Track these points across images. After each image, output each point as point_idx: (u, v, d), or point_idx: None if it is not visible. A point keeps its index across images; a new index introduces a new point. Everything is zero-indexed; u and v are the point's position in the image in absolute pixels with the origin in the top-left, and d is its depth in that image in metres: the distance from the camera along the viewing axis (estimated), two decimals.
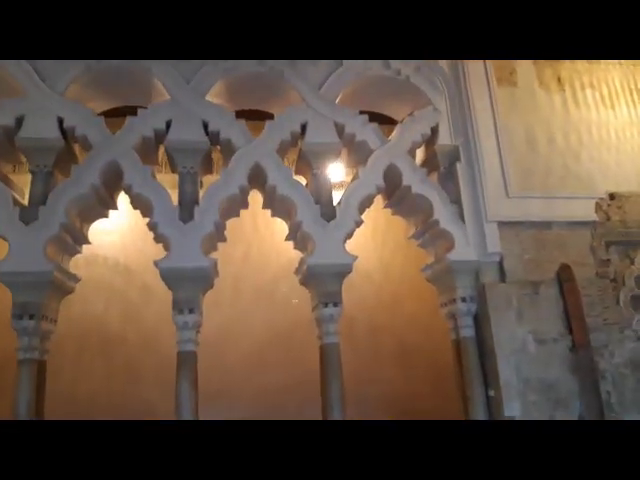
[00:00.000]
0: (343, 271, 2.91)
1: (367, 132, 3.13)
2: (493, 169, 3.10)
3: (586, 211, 3.12)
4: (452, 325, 3.14)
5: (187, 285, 2.76)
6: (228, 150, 2.99)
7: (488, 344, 2.88)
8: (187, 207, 2.85)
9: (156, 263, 2.71)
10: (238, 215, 3.20)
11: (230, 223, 3.31)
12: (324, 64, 3.19)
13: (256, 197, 3.25)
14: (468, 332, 3.00)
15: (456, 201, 3.13)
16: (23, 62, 2.84)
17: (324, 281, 2.91)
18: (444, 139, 3.23)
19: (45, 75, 2.87)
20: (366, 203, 3.13)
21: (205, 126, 2.98)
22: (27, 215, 2.68)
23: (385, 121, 3.47)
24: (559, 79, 3.42)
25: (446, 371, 3.31)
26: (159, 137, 2.96)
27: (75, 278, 2.99)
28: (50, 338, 2.82)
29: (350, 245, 3.02)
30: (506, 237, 3.01)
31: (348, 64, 3.19)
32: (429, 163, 3.32)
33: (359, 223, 3.04)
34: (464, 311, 3.01)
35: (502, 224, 3.02)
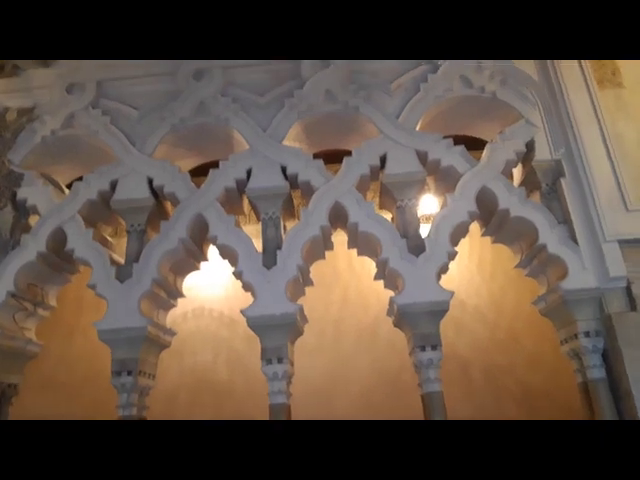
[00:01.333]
0: (439, 309, 2.65)
1: (453, 156, 2.91)
2: (605, 180, 2.69)
3: None
4: (577, 365, 2.70)
5: (274, 333, 2.67)
6: (308, 192, 2.94)
7: (623, 386, 2.40)
8: (270, 253, 2.81)
9: (243, 312, 2.67)
10: (324, 257, 3.10)
11: (324, 267, 3.23)
12: (400, 92, 3.06)
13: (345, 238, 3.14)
14: (597, 373, 2.55)
15: (565, 221, 2.75)
16: (114, 129, 3.09)
17: (418, 322, 2.66)
18: (543, 154, 2.89)
19: (135, 139, 3.08)
20: (459, 233, 2.87)
21: (284, 171, 2.97)
22: (122, 273, 2.81)
23: (475, 146, 3.21)
24: None
25: (577, 416, 2.84)
26: (241, 186, 2.99)
27: (171, 332, 3.05)
28: (149, 394, 2.86)
29: (453, 281, 2.77)
30: (631, 257, 2.54)
31: (426, 88, 3.03)
32: (528, 182, 2.98)
33: (453, 255, 2.77)
34: (589, 348, 2.57)
35: (624, 242, 2.57)
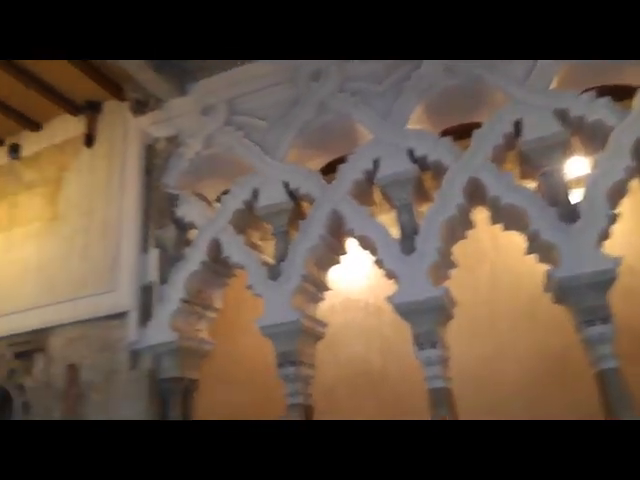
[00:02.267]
0: (604, 279, 2.40)
1: (598, 109, 2.60)
2: None
3: None
4: None
5: (423, 318, 2.66)
6: (439, 172, 2.86)
7: None
8: (408, 239, 2.80)
9: (389, 299, 2.71)
10: (464, 237, 2.99)
11: (467, 247, 3.13)
12: None
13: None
14: None
15: None
16: (248, 142, 3.33)
17: (582, 295, 2.43)
18: None
19: (267, 148, 3.29)
20: (617, 193, 2.57)
21: (411, 154, 2.93)
22: (274, 272, 3.03)
23: (622, 96, 2.83)
24: None
25: None
26: (370, 177, 3.02)
27: (322, 324, 3.20)
28: (311, 383, 3.03)
29: (618, 246, 2.52)
30: None
31: None
32: None
33: (613, 218, 2.49)
34: None
35: None
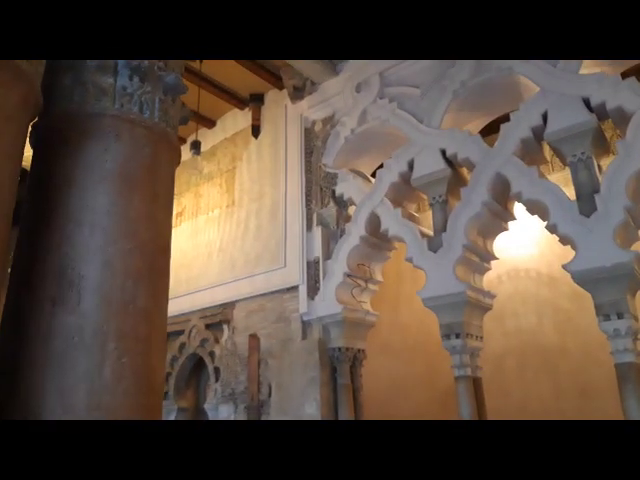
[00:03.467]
0: None
1: None
2: None
3: None
4: None
5: (607, 286, 2.38)
6: (622, 120, 2.50)
7: None
8: (586, 198, 2.50)
9: (565, 267, 2.48)
10: None
11: None
12: None
13: None
14: None
15: None
16: (401, 112, 3.27)
17: None
18: None
19: (421, 116, 3.20)
20: None
21: (587, 103, 2.60)
22: (434, 244, 2.96)
23: None
24: None
25: None
26: (538, 133, 2.76)
27: (490, 295, 3.05)
28: (479, 355, 2.93)
29: None
30: None
31: None
32: None
33: None
34: None
35: None
